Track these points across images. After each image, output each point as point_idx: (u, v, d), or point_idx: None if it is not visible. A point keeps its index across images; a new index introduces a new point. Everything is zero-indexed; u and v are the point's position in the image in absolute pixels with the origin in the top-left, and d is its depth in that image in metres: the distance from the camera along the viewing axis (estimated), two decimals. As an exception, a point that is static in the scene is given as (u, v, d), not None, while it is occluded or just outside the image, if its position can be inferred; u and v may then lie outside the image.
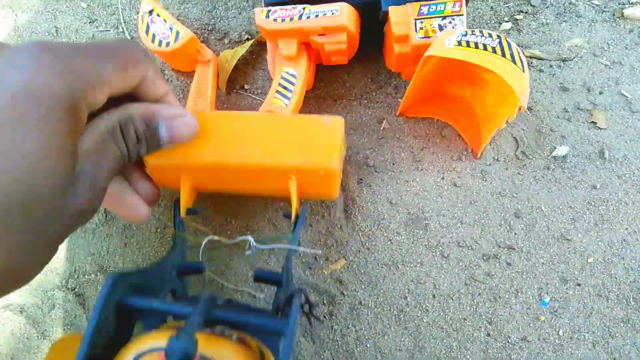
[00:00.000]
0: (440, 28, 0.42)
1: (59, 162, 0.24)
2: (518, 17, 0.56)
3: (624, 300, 0.45)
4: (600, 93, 0.53)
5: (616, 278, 0.46)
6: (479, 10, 0.56)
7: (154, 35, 0.46)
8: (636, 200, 0.49)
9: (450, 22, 0.42)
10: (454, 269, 0.46)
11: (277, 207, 0.48)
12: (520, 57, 0.38)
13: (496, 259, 0.46)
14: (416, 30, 0.42)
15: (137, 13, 0.58)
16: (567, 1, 0.57)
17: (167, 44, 0.46)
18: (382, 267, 0.46)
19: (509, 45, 0.39)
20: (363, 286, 0.46)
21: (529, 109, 0.52)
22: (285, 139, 0.37)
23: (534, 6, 0.56)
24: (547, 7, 0.56)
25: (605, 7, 0.56)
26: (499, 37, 0.39)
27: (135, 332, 0.29)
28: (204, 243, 0.37)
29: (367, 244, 0.47)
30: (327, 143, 0.36)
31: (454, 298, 0.45)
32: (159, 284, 0.32)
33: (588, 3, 0.57)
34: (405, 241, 0.47)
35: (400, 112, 0.50)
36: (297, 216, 0.38)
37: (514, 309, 0.45)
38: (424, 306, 0.45)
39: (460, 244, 0.47)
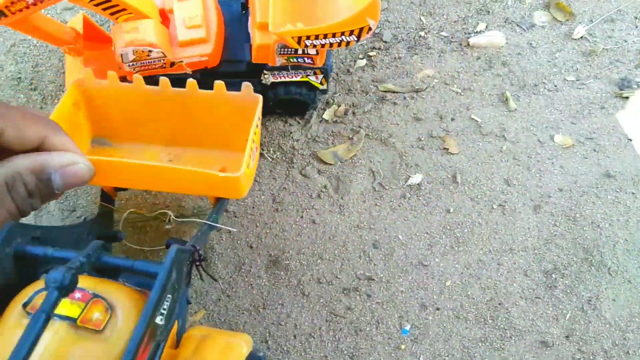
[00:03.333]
0: None
1: None
2: (371, 53, 0.58)
3: (482, 320, 0.46)
4: (452, 119, 0.55)
5: (473, 298, 0.47)
6: (337, 49, 0.59)
7: None
8: (489, 220, 0.50)
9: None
10: (314, 306, 0.46)
11: None
12: None
13: (356, 291, 0.47)
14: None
15: None
16: (416, 35, 0.59)
17: None
18: (242, 313, 0.46)
19: None
20: (224, 334, 0.46)
21: (384, 142, 0.54)
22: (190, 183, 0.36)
23: (385, 42, 0.59)
24: (398, 42, 0.59)
25: (452, 37, 0.60)
26: None
27: None
28: (123, 217, 0.38)
29: (227, 292, 0.47)
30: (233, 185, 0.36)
31: (315, 336, 0.45)
32: (72, 247, 0.32)
33: (437, 35, 0.60)
34: (266, 284, 0.47)
35: None
36: (217, 200, 0.39)
37: (375, 340, 0.45)
38: (285, 348, 0.45)
39: (321, 280, 0.47)
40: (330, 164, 0.53)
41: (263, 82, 0.47)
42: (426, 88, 0.57)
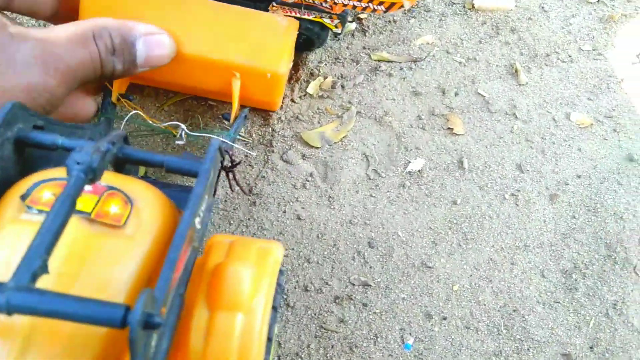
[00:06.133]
0: None
1: None
2: (362, 16, 0.50)
3: (495, 330, 0.40)
4: (456, 94, 0.48)
5: (485, 305, 0.41)
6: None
7: None
8: (500, 212, 0.44)
9: None
10: (301, 320, 0.39)
11: (217, 111, 0.44)
12: None
13: (350, 300, 0.40)
14: None
15: None
16: (413, -5, 0.51)
17: None
18: (215, 330, 0.38)
19: None
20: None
21: (379, 121, 0.46)
22: (235, 32, 0.35)
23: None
24: (393, 3, 0.50)
25: (454, -1, 0.51)
26: None
27: None
28: (128, 116, 0.34)
29: (196, 303, 0.39)
30: (279, 45, 0.35)
31: (302, 356, 0.38)
32: None
33: (437, -4, 0.51)
34: (243, 293, 0.39)
35: None
36: (236, 118, 0.36)
37: (373, 358, 0.39)
38: (267, 371, 0.38)
39: (308, 288, 0.40)
40: (317, 148, 0.45)
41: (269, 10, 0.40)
42: (425, 57, 0.49)
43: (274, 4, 0.39)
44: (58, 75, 0.28)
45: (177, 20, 0.35)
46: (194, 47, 0.35)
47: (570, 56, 0.51)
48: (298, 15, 0.39)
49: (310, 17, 0.40)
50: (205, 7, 0.35)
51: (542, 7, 0.52)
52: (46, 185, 0.23)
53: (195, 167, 0.25)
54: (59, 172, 0.24)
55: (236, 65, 0.35)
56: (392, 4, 0.36)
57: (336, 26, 0.41)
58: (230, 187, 0.32)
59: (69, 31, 0.29)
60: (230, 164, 0.31)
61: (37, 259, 0.18)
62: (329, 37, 0.46)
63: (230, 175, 0.31)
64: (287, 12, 0.39)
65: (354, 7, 0.37)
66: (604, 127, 0.48)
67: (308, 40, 0.44)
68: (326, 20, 0.41)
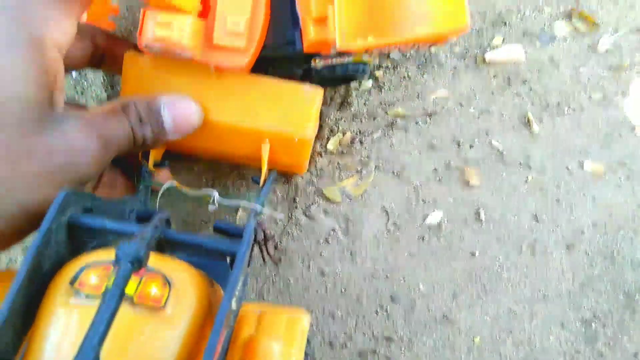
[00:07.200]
0: None
1: (25, 90, 0.28)
2: (378, 73, 0.52)
3: (517, 381, 0.41)
4: (471, 147, 0.49)
5: (506, 357, 0.42)
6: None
7: None
8: (518, 263, 0.45)
9: None
10: (328, 376, 0.40)
11: (246, 172, 0.47)
12: None
13: (374, 354, 0.41)
14: None
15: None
16: (426, 51, 0.53)
17: None
18: (245, 387, 0.40)
19: None
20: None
21: (397, 175, 0.48)
22: (264, 101, 0.37)
23: (393, 60, 0.53)
24: (407, 60, 0.53)
25: (466, 53, 0.53)
26: None
27: None
28: (164, 187, 0.37)
29: (226, 360, 0.40)
30: (305, 111, 0.37)
31: (330, 411, 0.39)
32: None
33: (449, 51, 0.53)
34: (270, 349, 0.41)
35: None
36: (265, 181, 0.39)
37: (398, 412, 0.40)
38: None
39: (333, 344, 0.41)
40: (338, 202, 0.46)
41: (313, 66, 0.41)
42: (440, 111, 0.51)
43: (317, 59, 0.41)
44: (98, 140, 0.31)
45: (210, 90, 0.37)
46: (225, 115, 0.37)
47: (580, 105, 0.52)
48: (339, 61, 0.42)
49: (351, 59, 0.42)
50: (235, 78, 0.38)
51: (552, 59, 0.54)
52: (93, 268, 0.25)
53: (233, 248, 0.27)
54: (105, 254, 0.26)
55: (266, 131, 0.38)
56: (435, 42, 0.36)
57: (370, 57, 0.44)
58: (263, 259, 0.34)
59: (103, 108, 0.33)
60: (263, 238, 0.33)
61: (90, 353, 0.20)
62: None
63: (263, 249, 0.33)
64: (328, 61, 0.41)
65: (399, 49, 0.39)
66: (617, 175, 0.49)
67: (353, 76, 0.47)
68: (364, 57, 0.43)
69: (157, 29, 0.34)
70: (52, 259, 0.26)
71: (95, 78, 0.49)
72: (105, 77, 0.49)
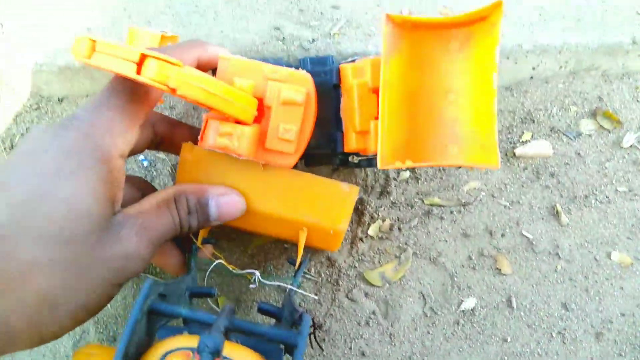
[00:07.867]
0: None
1: (92, 206, 0.30)
2: (415, 165, 0.57)
3: None
4: (502, 236, 0.53)
5: None
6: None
7: None
8: (549, 350, 0.47)
9: None
10: None
11: (284, 250, 0.51)
12: None
13: None
14: None
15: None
16: (460, 145, 0.58)
17: None
18: None
19: None
20: None
21: (434, 261, 0.52)
22: (304, 195, 0.41)
23: (429, 153, 0.58)
24: (442, 153, 0.58)
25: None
26: None
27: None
28: (212, 266, 0.41)
29: None
30: (341, 208, 0.41)
31: None
32: (175, 301, 0.36)
33: (481, 145, 0.58)
34: None
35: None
36: (300, 264, 0.42)
37: None
38: None
39: (373, 423, 0.44)
40: (378, 286, 0.50)
41: (351, 160, 0.46)
42: (473, 201, 0.55)
43: (354, 156, 0.45)
44: (149, 244, 0.33)
45: (256, 182, 0.41)
46: (268, 206, 0.41)
47: (607, 197, 0.56)
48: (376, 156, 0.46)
49: None
50: (279, 172, 0.42)
51: (578, 153, 0.58)
52: (174, 355, 0.29)
53: (293, 340, 0.31)
54: (183, 340, 0.31)
55: (303, 222, 0.42)
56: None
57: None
58: (311, 345, 0.38)
59: (158, 198, 0.35)
60: (312, 325, 0.37)
61: None
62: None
63: (312, 337, 0.37)
64: (365, 155, 0.44)
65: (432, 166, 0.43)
66: (645, 266, 0.52)
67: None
68: None
69: (218, 137, 0.38)
70: (135, 343, 0.30)
71: (163, 168, 0.56)
72: (172, 169, 0.56)
